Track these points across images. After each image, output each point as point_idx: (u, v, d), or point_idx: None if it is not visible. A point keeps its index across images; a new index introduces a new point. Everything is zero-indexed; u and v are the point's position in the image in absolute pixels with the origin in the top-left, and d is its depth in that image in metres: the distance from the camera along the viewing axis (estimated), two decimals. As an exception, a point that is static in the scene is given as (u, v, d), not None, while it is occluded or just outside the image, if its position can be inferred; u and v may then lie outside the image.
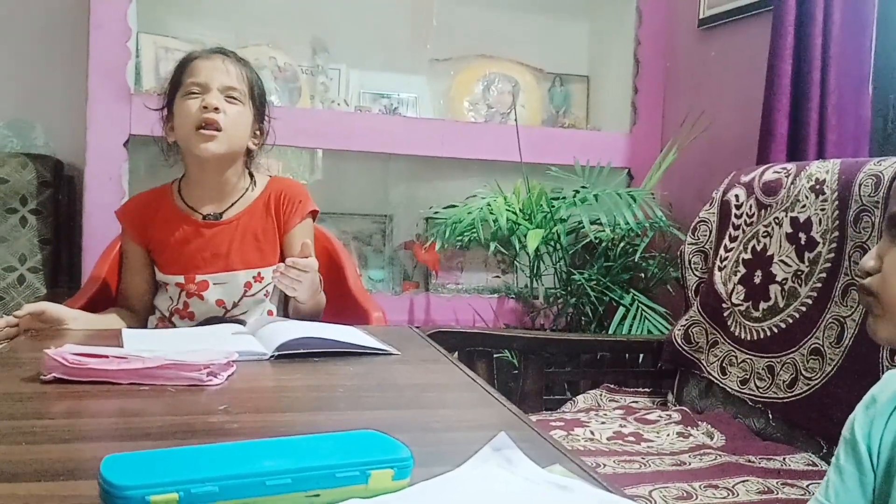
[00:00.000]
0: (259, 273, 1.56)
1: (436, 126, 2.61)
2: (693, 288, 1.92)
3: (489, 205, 2.31)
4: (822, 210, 1.58)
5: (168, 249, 1.56)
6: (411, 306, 2.60)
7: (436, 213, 2.54)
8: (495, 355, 1.91)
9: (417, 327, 2.04)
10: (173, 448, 0.68)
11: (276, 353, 1.18)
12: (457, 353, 1.82)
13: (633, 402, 1.85)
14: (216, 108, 1.47)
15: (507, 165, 2.54)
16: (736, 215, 1.82)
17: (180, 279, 1.54)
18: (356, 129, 2.52)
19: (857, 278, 0.81)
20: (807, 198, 1.63)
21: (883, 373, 1.37)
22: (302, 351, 1.20)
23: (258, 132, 1.59)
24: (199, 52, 1.55)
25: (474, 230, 2.31)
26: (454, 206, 2.41)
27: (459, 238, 2.34)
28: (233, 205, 1.57)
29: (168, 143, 1.57)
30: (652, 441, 1.53)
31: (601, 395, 1.86)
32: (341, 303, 1.78)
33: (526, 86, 2.85)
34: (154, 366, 1.01)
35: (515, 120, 2.49)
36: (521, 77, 2.85)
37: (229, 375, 1.06)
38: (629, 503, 0.67)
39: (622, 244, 2.41)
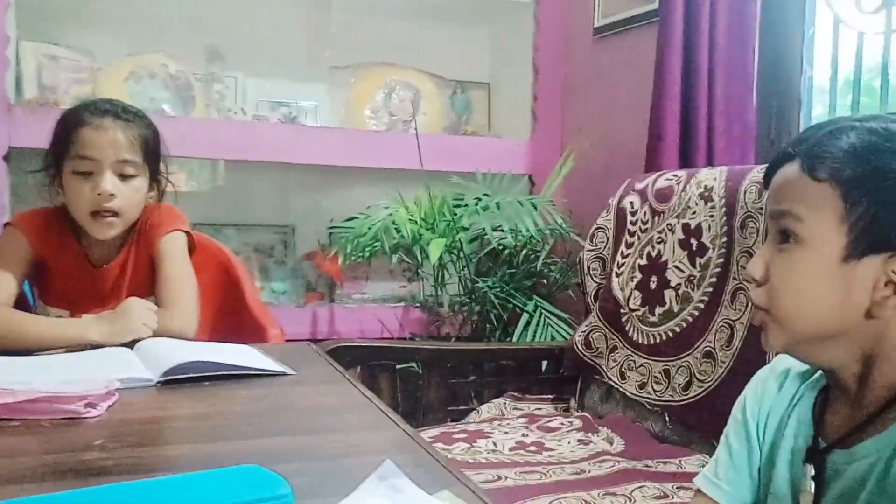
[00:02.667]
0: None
1: (337, 135, 2.58)
2: (592, 294, 1.95)
3: (391, 215, 2.29)
4: (711, 216, 1.62)
5: (57, 280, 1.50)
6: (314, 318, 2.56)
7: (335, 227, 2.50)
8: (399, 367, 1.89)
9: (320, 340, 2.01)
10: (34, 497, 0.64)
11: (163, 379, 1.13)
12: (359, 367, 1.80)
13: (537, 409, 1.87)
14: (111, 195, 1.40)
15: (409, 173, 2.53)
16: (631, 222, 1.85)
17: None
18: (254, 138, 2.46)
19: (745, 282, 0.81)
20: (696, 204, 1.67)
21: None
22: (192, 374, 1.15)
23: (156, 187, 1.53)
24: (87, 115, 1.43)
25: (378, 242, 2.29)
26: (356, 218, 2.38)
27: (362, 252, 2.31)
28: (119, 250, 1.53)
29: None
30: (553, 450, 1.53)
31: (505, 403, 1.87)
32: (238, 319, 1.73)
33: (427, 93, 2.85)
34: (25, 399, 0.95)
35: (416, 128, 2.48)
36: (423, 84, 2.84)
37: (110, 406, 1.01)
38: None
39: (524, 251, 2.43)
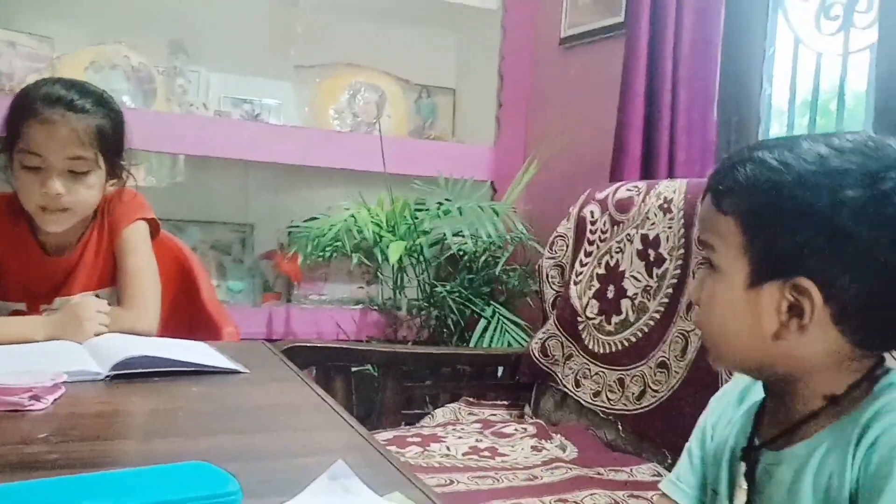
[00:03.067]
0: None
1: (300, 134, 2.56)
2: (550, 301, 1.95)
3: (353, 216, 2.28)
4: (670, 228, 1.64)
5: (10, 272, 1.45)
6: (270, 319, 2.53)
7: (295, 226, 2.48)
8: (355, 369, 1.88)
9: (275, 340, 1.99)
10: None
11: (113, 373, 1.11)
12: (314, 368, 1.78)
13: (492, 414, 1.87)
14: (59, 194, 1.34)
15: (372, 176, 2.52)
16: (591, 231, 1.86)
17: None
18: (216, 134, 2.43)
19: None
20: (656, 215, 1.69)
21: (722, 385, 1.43)
22: (141, 370, 1.13)
23: (116, 178, 1.47)
24: (38, 105, 1.34)
25: (338, 243, 2.28)
26: (316, 218, 2.36)
27: (322, 253, 2.30)
28: (80, 238, 1.48)
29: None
30: (507, 455, 1.54)
31: (460, 408, 1.87)
32: (193, 316, 1.71)
33: (392, 96, 2.84)
34: (-33, 391, 0.93)
35: (380, 130, 2.47)
36: (388, 87, 2.84)
37: (56, 399, 0.99)
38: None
39: (484, 257, 2.44)
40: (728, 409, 0.88)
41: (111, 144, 1.42)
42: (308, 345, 1.76)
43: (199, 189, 2.68)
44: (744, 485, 0.77)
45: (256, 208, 2.75)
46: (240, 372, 1.20)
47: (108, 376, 1.10)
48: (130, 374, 1.12)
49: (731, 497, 0.80)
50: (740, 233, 0.72)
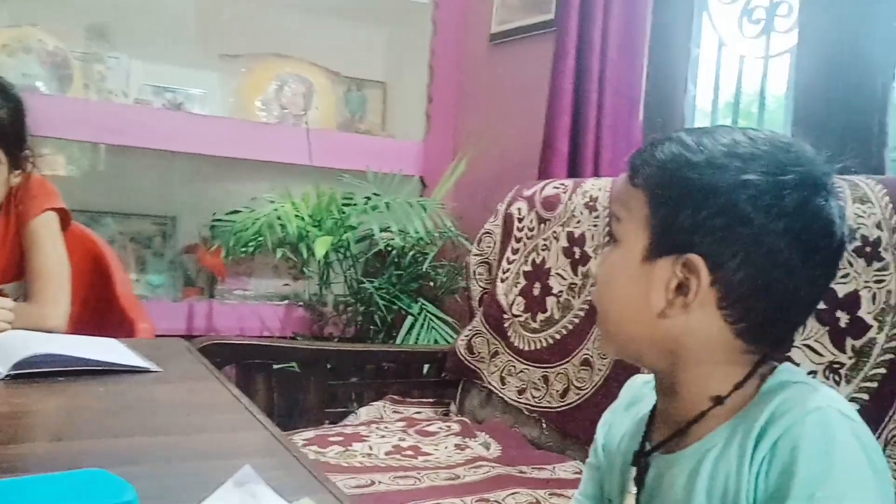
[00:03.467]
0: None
1: (225, 124, 2.49)
2: (477, 298, 1.95)
3: (277, 210, 2.23)
4: (595, 226, 1.65)
5: None
6: (192, 314, 2.46)
7: (218, 220, 2.42)
8: (277, 367, 1.84)
9: (196, 337, 1.93)
10: None
11: (13, 373, 1.05)
12: (234, 366, 1.73)
13: (417, 412, 1.85)
14: None
15: (298, 169, 2.47)
16: (518, 228, 1.86)
17: None
18: (136, 123, 2.35)
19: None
20: (581, 213, 1.69)
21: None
22: (45, 370, 1.07)
23: (20, 169, 1.40)
24: None
25: (261, 237, 2.22)
26: (239, 212, 2.30)
27: (245, 247, 2.24)
28: None
29: None
30: (430, 454, 1.52)
31: (384, 406, 1.84)
32: (106, 312, 1.65)
33: (321, 88, 2.79)
34: None
35: (306, 123, 2.42)
36: (316, 79, 2.78)
37: (-52, 400, 0.93)
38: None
39: (412, 253, 2.41)
40: (618, 418, 0.88)
41: (10, 136, 1.36)
42: (227, 342, 1.71)
43: (119, 180, 2.58)
44: (633, 489, 0.77)
45: (179, 200, 2.67)
46: (151, 370, 1.16)
47: (7, 376, 1.05)
48: (33, 373, 1.06)
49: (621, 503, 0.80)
50: (646, 205, 0.73)
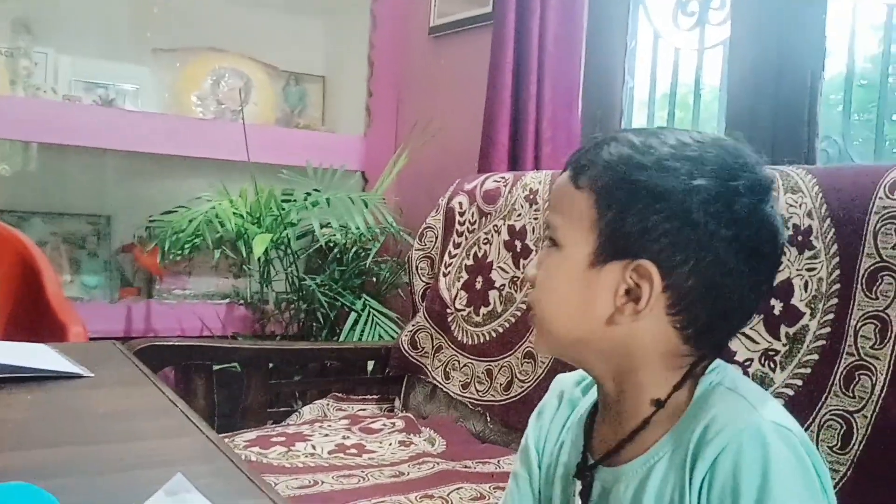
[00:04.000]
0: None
1: (159, 121, 2.44)
2: (420, 293, 1.94)
3: (214, 208, 2.18)
4: (535, 219, 1.65)
5: None
6: (130, 315, 2.40)
7: (152, 220, 2.36)
8: (217, 367, 1.80)
9: (135, 338, 1.88)
10: None
11: (-66, 383, 1.01)
12: (173, 368, 1.69)
13: (361, 409, 1.83)
14: None
15: (237, 165, 2.42)
16: (459, 222, 1.86)
17: None
18: (66, 120, 2.28)
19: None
20: (522, 206, 1.69)
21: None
22: (-32, 378, 1.03)
23: None
24: None
25: (198, 237, 2.17)
26: (175, 212, 2.25)
27: (182, 249, 2.19)
28: None
29: None
30: (374, 452, 1.51)
31: (328, 404, 1.82)
32: (36, 315, 1.59)
33: (258, 83, 2.74)
34: None
35: (243, 118, 2.38)
36: (254, 74, 2.74)
37: None
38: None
39: (354, 249, 2.39)
40: (546, 416, 0.85)
41: None
42: (165, 343, 1.67)
43: (51, 179, 2.51)
44: (578, 503, 0.75)
45: (113, 199, 2.60)
46: (82, 376, 1.12)
47: (-73, 386, 1.00)
48: (-46, 382, 1.02)
49: None
50: (592, 208, 0.70)
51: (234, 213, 2.17)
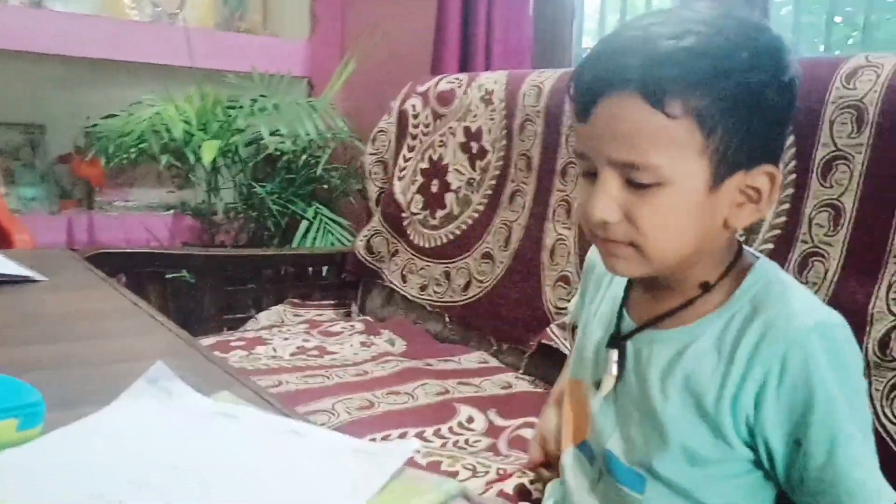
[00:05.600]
0: None
1: (93, 23, 2.33)
2: (374, 198, 1.92)
3: (159, 114, 2.11)
4: (492, 119, 1.64)
5: None
6: (71, 227, 2.34)
7: (94, 125, 2.26)
8: (169, 276, 1.77)
9: (75, 250, 1.83)
10: None
11: None
12: (123, 276, 1.66)
13: (318, 315, 1.83)
14: None
15: (177, 71, 2.33)
16: (413, 125, 1.83)
17: None
18: (-8, 23, 2.15)
19: (590, 227, 0.69)
20: (477, 107, 1.67)
21: (544, 272, 1.48)
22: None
23: None
24: None
25: (144, 143, 2.10)
26: (115, 116, 2.17)
27: (126, 155, 2.12)
28: None
29: None
30: (336, 353, 1.51)
31: (285, 310, 1.82)
32: (-22, 225, 1.54)
33: (196, -16, 2.63)
34: None
35: (184, 20, 2.28)
36: (191, -27, 2.62)
37: None
38: (299, 423, 0.63)
39: (304, 156, 2.35)
40: (591, 304, 0.85)
41: None
42: (115, 251, 1.63)
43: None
44: (614, 371, 0.75)
45: (48, 107, 2.49)
46: (36, 280, 1.09)
47: None
48: None
49: (596, 373, 0.79)
50: (695, 133, 0.64)
51: (181, 119, 2.10)
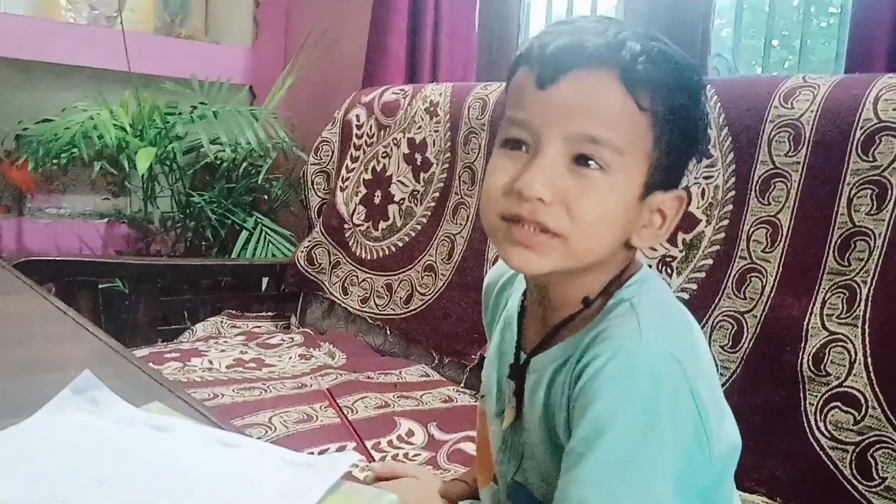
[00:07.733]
0: None
1: (25, 24, 2.25)
2: (316, 209, 1.90)
3: (92, 119, 2.05)
4: (437, 131, 1.63)
5: None
6: (-1, 234, 2.25)
7: (25, 129, 2.19)
8: (102, 285, 1.72)
9: (2, 257, 1.76)
10: None
11: None
12: (52, 286, 1.60)
13: (256, 326, 1.80)
14: None
15: (114, 76, 2.27)
16: (357, 136, 1.82)
17: None
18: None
19: (508, 208, 0.63)
20: (422, 119, 1.67)
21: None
22: None
23: None
24: None
25: (75, 148, 2.03)
26: (50, 120, 2.10)
27: (56, 160, 2.05)
28: None
29: None
30: (274, 366, 1.48)
31: (222, 321, 1.78)
32: None
33: (135, -12, 2.57)
34: None
35: (122, 24, 2.23)
36: (130, -23, 2.56)
37: None
38: (233, 436, 0.60)
39: (245, 165, 2.31)
40: (495, 314, 0.81)
41: None
42: (45, 258, 1.57)
43: None
44: (513, 402, 0.71)
45: (-26, 110, 2.40)
46: (-42, 286, 1.04)
47: None
48: None
49: (499, 404, 0.74)
50: (649, 133, 0.62)
51: (115, 125, 2.04)
